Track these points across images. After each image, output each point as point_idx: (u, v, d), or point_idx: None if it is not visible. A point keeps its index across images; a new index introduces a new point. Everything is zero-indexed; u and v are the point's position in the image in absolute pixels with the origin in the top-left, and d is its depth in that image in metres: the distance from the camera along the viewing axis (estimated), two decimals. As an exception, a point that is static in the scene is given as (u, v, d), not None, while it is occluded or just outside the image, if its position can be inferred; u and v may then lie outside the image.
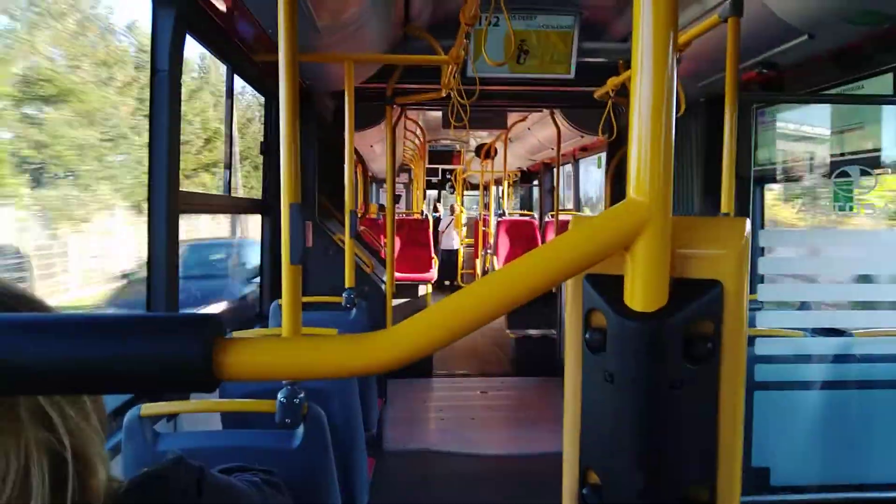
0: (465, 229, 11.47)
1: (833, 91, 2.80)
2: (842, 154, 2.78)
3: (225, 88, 2.86)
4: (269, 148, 3.39)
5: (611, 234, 0.42)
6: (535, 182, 10.86)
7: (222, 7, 2.27)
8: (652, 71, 0.41)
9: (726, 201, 2.04)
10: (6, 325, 0.39)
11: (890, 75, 2.48)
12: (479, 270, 9.85)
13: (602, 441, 0.45)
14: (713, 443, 0.44)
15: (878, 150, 2.60)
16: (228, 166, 2.94)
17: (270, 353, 0.39)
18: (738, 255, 0.43)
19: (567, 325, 0.48)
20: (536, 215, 9.86)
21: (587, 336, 0.45)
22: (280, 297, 3.21)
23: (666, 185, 0.41)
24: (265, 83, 3.17)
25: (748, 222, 0.45)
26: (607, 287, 0.44)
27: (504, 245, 8.09)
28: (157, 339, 0.37)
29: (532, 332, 6.01)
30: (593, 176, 9.00)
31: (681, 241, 0.43)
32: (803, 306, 2.37)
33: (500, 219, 8.57)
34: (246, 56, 2.76)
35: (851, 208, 2.43)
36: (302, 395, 1.52)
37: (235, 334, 2.55)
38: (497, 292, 0.41)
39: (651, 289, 0.42)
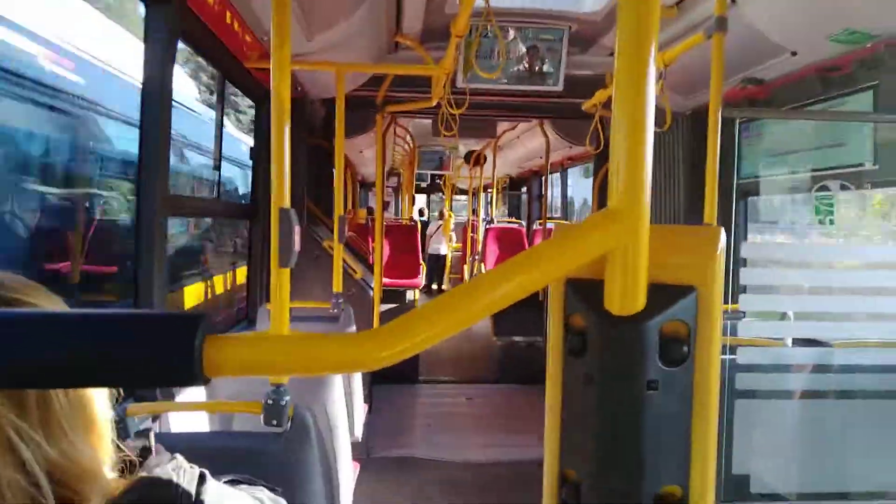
0: (453, 235, 11.50)
1: (815, 107, 2.85)
2: (824, 168, 2.84)
3: (216, 94, 2.86)
4: (259, 153, 3.40)
5: (592, 240, 0.44)
6: (524, 189, 10.93)
7: (215, 14, 2.29)
8: (632, 87, 0.44)
9: (709, 213, 2.08)
10: (3, 320, 0.40)
11: (870, 93, 2.53)
12: (466, 276, 9.87)
13: (581, 441, 0.46)
14: (687, 443, 0.46)
15: (860, 164, 2.65)
16: (218, 168, 2.95)
17: (259, 350, 0.40)
18: (712, 261, 0.45)
19: (549, 328, 0.50)
20: (524, 223, 9.91)
21: (568, 339, 0.47)
22: (267, 301, 3.23)
23: (644, 194, 0.44)
24: (256, 89, 3.18)
25: (723, 231, 0.48)
26: (588, 291, 0.46)
27: (492, 251, 8.12)
28: (149, 334, 0.39)
29: (518, 338, 6.02)
30: (581, 185, 9.07)
31: (658, 248, 0.45)
32: (785, 317, 2.41)
33: (488, 225, 8.61)
34: (237, 62, 2.77)
35: (832, 222, 2.47)
36: (288, 397, 1.53)
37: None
38: (483, 294, 0.43)
39: (629, 293, 0.44)
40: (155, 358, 0.38)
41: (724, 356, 2.10)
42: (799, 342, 2.36)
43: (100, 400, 0.61)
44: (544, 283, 0.44)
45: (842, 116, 2.78)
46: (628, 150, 0.44)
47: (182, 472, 0.66)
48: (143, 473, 0.65)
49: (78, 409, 0.59)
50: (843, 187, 2.26)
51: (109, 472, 0.62)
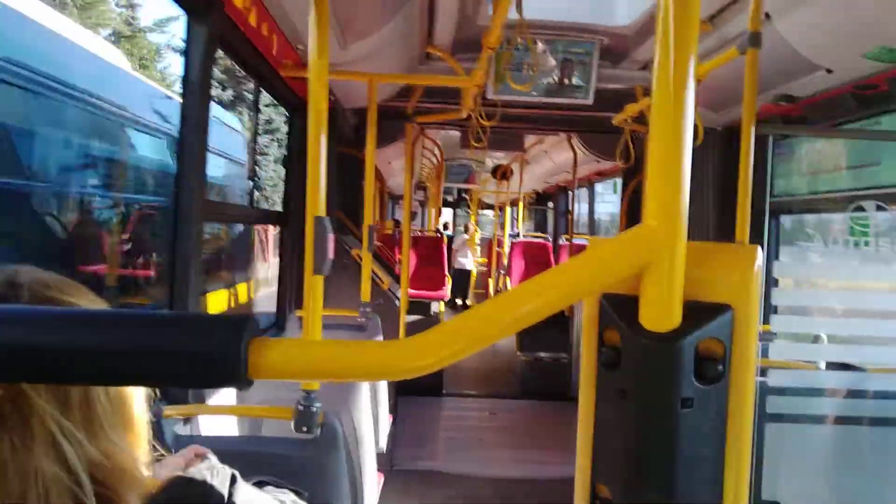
0: (478, 249, 11.49)
1: (850, 126, 2.81)
2: (858, 188, 2.79)
3: (252, 102, 2.91)
4: (292, 162, 3.44)
5: (627, 256, 0.44)
6: (550, 204, 10.89)
7: (253, 23, 2.33)
8: (671, 102, 0.44)
9: (740, 231, 2.05)
10: (59, 317, 0.42)
11: (907, 112, 2.49)
12: (491, 291, 9.83)
13: (614, 456, 0.46)
14: (721, 462, 0.45)
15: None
16: (252, 178, 2.98)
17: (302, 355, 0.41)
18: (748, 280, 0.45)
19: (583, 342, 0.50)
20: (550, 238, 9.86)
21: (602, 353, 0.47)
22: (297, 308, 3.26)
23: (680, 211, 0.44)
24: (290, 98, 3.23)
25: (760, 250, 0.47)
26: (623, 307, 0.46)
27: (518, 266, 8.09)
28: (198, 335, 0.40)
29: (543, 355, 5.98)
30: (608, 201, 9.01)
31: (694, 265, 0.45)
32: (817, 340, 2.36)
33: (514, 240, 8.58)
34: (273, 71, 2.82)
35: (867, 243, 2.42)
36: (319, 404, 1.54)
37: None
38: (517, 307, 0.43)
39: (664, 310, 0.44)
40: (203, 358, 0.39)
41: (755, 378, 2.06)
42: (832, 366, 2.31)
43: (138, 400, 0.63)
44: (579, 298, 0.45)
45: (877, 135, 2.73)
46: (665, 166, 0.44)
47: (215, 472, 0.67)
48: (179, 473, 0.67)
49: (119, 409, 0.60)
50: (879, 208, 2.22)
51: (146, 472, 0.63)
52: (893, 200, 2.48)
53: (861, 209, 2.26)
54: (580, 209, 9.25)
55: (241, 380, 0.39)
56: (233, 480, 0.68)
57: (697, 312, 0.45)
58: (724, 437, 0.45)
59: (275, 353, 0.40)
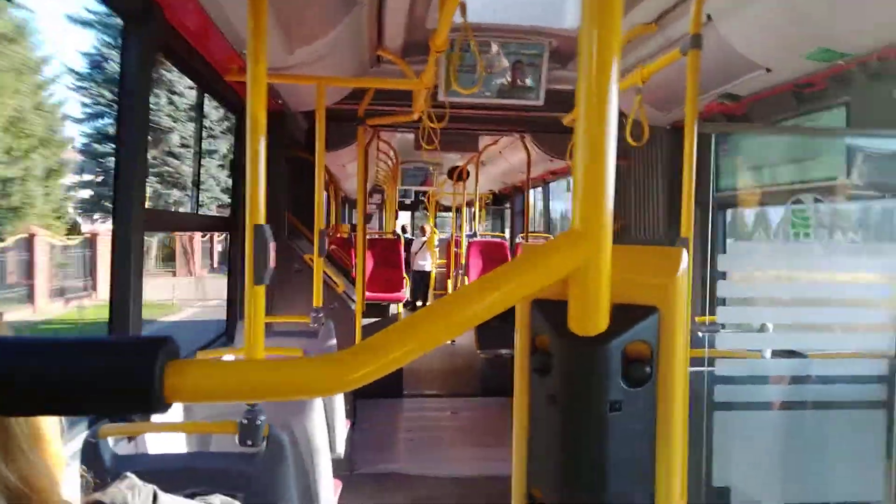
0: (437, 251, 11.50)
1: (789, 122, 2.90)
2: (799, 182, 2.88)
3: (195, 107, 2.85)
4: (239, 166, 3.39)
5: (555, 261, 0.44)
6: (507, 204, 10.97)
7: (195, 28, 2.28)
8: (593, 108, 0.44)
9: (685, 226, 2.10)
10: None
11: (843, 109, 2.58)
12: (450, 290, 9.86)
13: (546, 460, 0.47)
14: (651, 463, 0.46)
15: (833, 178, 2.70)
16: (196, 184, 2.93)
17: (223, 376, 0.40)
18: (674, 282, 0.46)
19: (516, 348, 0.50)
20: (508, 237, 9.94)
21: (534, 359, 0.47)
22: None
23: (605, 215, 0.44)
24: (235, 103, 3.18)
25: (685, 252, 0.48)
26: (552, 312, 0.46)
27: (475, 266, 8.12)
28: (110, 361, 0.38)
29: (502, 351, 6.02)
30: (564, 198, 9.13)
31: (621, 268, 0.45)
32: (763, 329, 2.44)
33: (471, 240, 8.62)
34: (217, 76, 2.77)
35: (807, 234, 2.51)
36: (263, 417, 1.51)
37: (199, 354, 2.52)
38: (455, 312, 0.43)
39: (591, 314, 0.44)
40: (114, 385, 0.37)
41: (702, 368, 2.12)
42: (777, 354, 2.38)
43: (55, 421, 0.61)
44: (510, 304, 0.45)
45: (815, 132, 2.83)
46: (590, 171, 0.44)
47: (136, 490, 0.66)
48: (97, 496, 0.65)
49: (36, 430, 0.58)
50: (816, 201, 2.30)
51: (64, 495, 0.61)
52: (830, 194, 2.58)
53: (800, 202, 2.34)
54: (537, 208, 9.36)
55: (157, 404, 0.38)
56: (154, 497, 0.66)
57: (624, 315, 0.45)
58: (655, 437, 0.46)
59: (193, 374, 0.38)
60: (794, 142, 3.01)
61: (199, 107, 3.14)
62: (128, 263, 1.83)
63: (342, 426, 3.13)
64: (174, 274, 23.48)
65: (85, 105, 23.40)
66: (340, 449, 3.05)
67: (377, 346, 0.41)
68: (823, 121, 2.74)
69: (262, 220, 1.60)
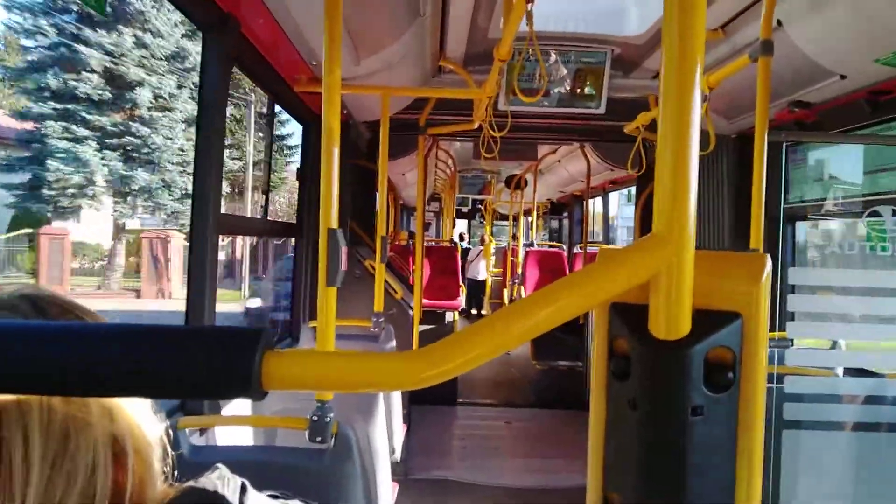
0: (493, 259, 11.48)
1: (864, 131, 2.79)
2: (875, 194, 2.77)
3: (266, 117, 2.95)
4: (306, 174, 3.48)
5: (636, 265, 0.45)
6: (565, 214, 10.86)
7: (267, 40, 2.37)
8: (678, 110, 0.44)
9: (755, 238, 2.04)
10: (82, 332, 0.43)
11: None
12: (506, 300, 9.82)
13: (625, 465, 0.47)
14: (732, 470, 0.46)
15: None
16: (266, 191, 3.02)
17: (315, 366, 0.42)
18: (758, 288, 0.46)
19: (593, 352, 0.51)
20: (565, 247, 9.84)
21: (612, 363, 0.48)
22: (310, 319, 3.28)
23: (689, 219, 0.44)
24: (304, 113, 3.27)
25: (769, 258, 0.48)
26: (632, 316, 0.46)
27: (532, 275, 8.08)
28: (214, 349, 0.41)
29: (558, 363, 5.96)
30: (623, 210, 8.98)
31: (703, 273, 0.46)
32: (835, 346, 2.34)
33: (528, 249, 8.58)
34: (287, 86, 2.86)
35: (884, 248, 2.40)
36: (332, 414, 1.55)
37: None
38: (526, 317, 0.43)
39: (673, 318, 0.44)
40: (218, 371, 0.40)
41: (771, 385, 2.05)
42: (850, 372, 2.29)
43: (147, 406, 0.65)
44: (588, 308, 0.45)
45: (891, 141, 2.71)
46: (673, 174, 0.44)
47: (226, 481, 0.69)
48: (191, 483, 0.68)
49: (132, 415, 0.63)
50: (895, 213, 2.20)
51: (159, 481, 0.65)
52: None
53: (877, 214, 2.24)
54: (595, 217, 9.24)
55: (255, 391, 0.40)
56: (243, 489, 0.69)
57: (707, 321, 0.45)
58: (735, 445, 0.45)
59: (288, 364, 0.41)
60: (870, 151, 2.89)
61: (269, 116, 3.25)
62: (204, 264, 1.92)
63: (399, 430, 3.17)
64: (138, 294, 17.79)
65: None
66: (398, 453, 3.08)
67: (461, 344, 0.43)
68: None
69: (334, 224, 1.65)
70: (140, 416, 0.62)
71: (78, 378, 0.41)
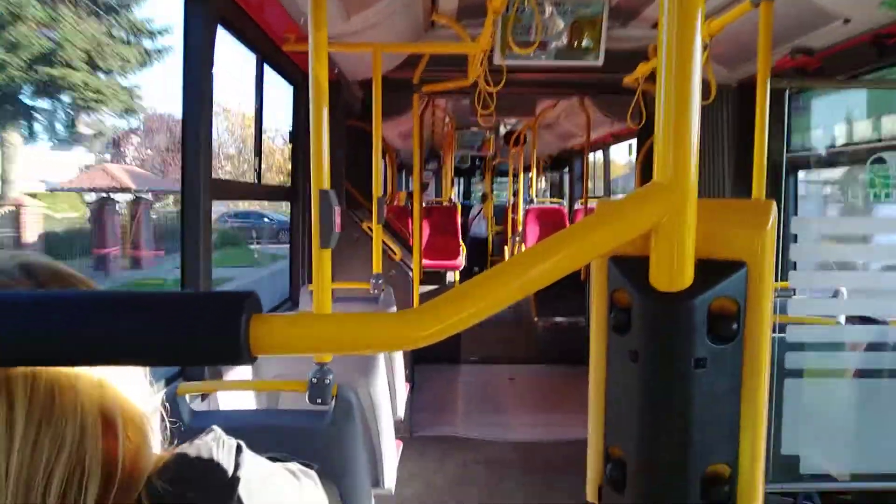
0: (494, 217, 11.45)
1: (868, 76, 2.73)
2: (879, 140, 2.73)
3: (255, 78, 2.90)
4: (298, 136, 3.43)
5: (636, 216, 0.43)
6: (566, 169, 10.79)
7: None
8: (677, 59, 0.42)
9: (757, 188, 2.02)
10: (62, 300, 0.42)
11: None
12: (507, 257, 9.84)
13: (626, 418, 0.46)
14: (736, 421, 0.45)
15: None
16: (258, 153, 2.99)
17: (304, 329, 0.41)
18: (763, 236, 0.44)
19: (592, 306, 0.49)
20: (566, 202, 9.80)
21: (612, 316, 0.46)
22: (309, 282, 3.28)
23: (690, 167, 0.42)
24: (293, 73, 3.21)
25: (774, 205, 0.46)
26: (632, 268, 0.45)
27: (533, 232, 8.07)
28: (197, 313, 0.39)
29: (561, 319, 6.00)
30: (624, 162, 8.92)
31: (706, 222, 0.44)
32: (837, 294, 2.34)
33: (528, 206, 8.55)
34: (275, 46, 2.79)
35: (888, 195, 2.38)
36: (332, 376, 1.56)
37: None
38: (524, 271, 0.42)
39: (676, 269, 0.43)
40: (203, 337, 0.39)
41: (773, 334, 2.05)
42: (852, 320, 2.29)
43: (141, 375, 0.64)
44: (587, 260, 0.44)
45: (898, 85, 2.66)
46: (674, 122, 0.42)
47: (221, 443, 0.68)
48: (184, 447, 0.68)
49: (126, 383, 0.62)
50: (900, 159, 2.17)
51: (155, 448, 0.64)
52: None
53: (881, 160, 2.21)
54: (596, 171, 9.17)
55: (243, 356, 0.39)
56: (238, 450, 0.69)
57: (710, 271, 0.43)
58: (740, 395, 0.45)
59: (276, 328, 0.40)
60: (874, 97, 2.84)
61: (258, 78, 3.20)
62: (198, 230, 1.90)
63: (402, 389, 3.20)
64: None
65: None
66: (401, 411, 3.11)
67: (454, 302, 0.41)
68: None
69: (326, 185, 1.62)
70: (132, 386, 0.61)
71: (57, 348, 0.39)
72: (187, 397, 1.49)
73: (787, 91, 2.90)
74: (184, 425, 1.36)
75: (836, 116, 3.15)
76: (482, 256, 10.57)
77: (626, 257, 0.46)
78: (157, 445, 0.65)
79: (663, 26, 0.43)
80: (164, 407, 0.72)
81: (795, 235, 2.13)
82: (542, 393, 5.32)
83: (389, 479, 2.20)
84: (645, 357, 0.43)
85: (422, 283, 3.95)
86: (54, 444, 0.53)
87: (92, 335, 0.39)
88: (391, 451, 2.23)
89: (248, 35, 2.56)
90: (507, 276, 0.42)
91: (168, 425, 0.70)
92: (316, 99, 1.60)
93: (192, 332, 0.39)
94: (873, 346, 2.21)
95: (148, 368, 0.64)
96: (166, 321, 0.39)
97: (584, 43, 3.60)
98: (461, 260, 7.73)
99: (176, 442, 0.69)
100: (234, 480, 0.65)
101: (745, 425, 0.45)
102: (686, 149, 0.42)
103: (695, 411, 0.43)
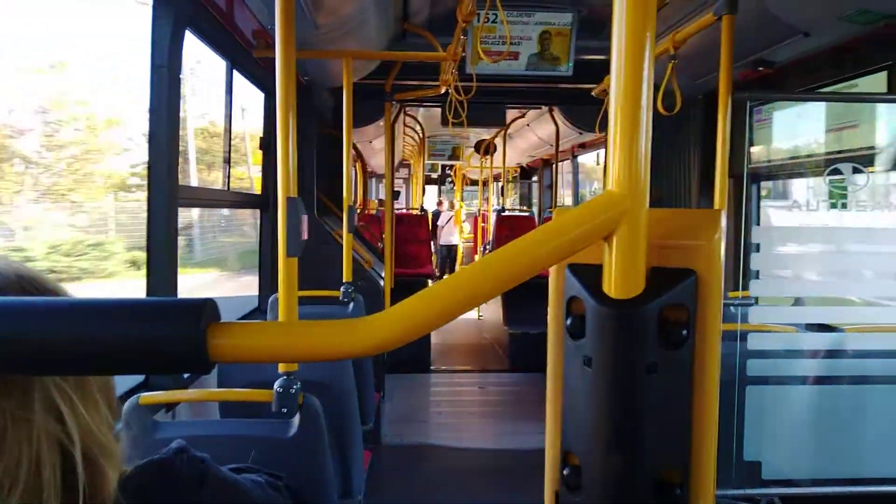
0: (465, 225, 11.49)
1: (828, 89, 2.81)
2: (837, 152, 2.80)
3: (225, 84, 2.87)
4: (269, 143, 3.41)
5: (590, 224, 0.43)
6: (535, 178, 10.87)
7: (222, 3, 2.29)
8: (628, 70, 0.43)
9: (719, 197, 2.06)
10: (18, 308, 0.41)
11: (884, 73, 2.49)
12: None
13: (581, 424, 0.46)
14: (687, 427, 0.46)
15: (872, 147, 2.62)
16: (227, 161, 2.96)
17: (263, 337, 0.41)
18: (712, 245, 0.45)
19: (549, 313, 0.50)
20: (535, 211, 9.87)
21: (568, 322, 0.47)
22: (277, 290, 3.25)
23: (642, 178, 0.43)
24: (265, 79, 3.19)
25: (723, 214, 0.47)
26: (587, 275, 0.46)
27: (503, 240, 8.11)
28: (156, 322, 0.39)
29: (529, 328, 6.02)
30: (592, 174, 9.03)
31: (658, 231, 0.45)
32: (797, 303, 2.39)
33: (498, 214, 8.59)
34: (245, 52, 2.77)
35: (845, 206, 2.44)
36: (298, 385, 1.54)
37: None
38: (484, 278, 0.42)
39: (628, 277, 0.43)
40: (161, 345, 0.39)
41: (734, 342, 2.09)
42: (812, 328, 2.34)
43: (105, 385, 0.62)
44: (543, 268, 0.44)
45: (855, 98, 2.74)
46: (626, 133, 0.43)
47: (184, 456, 0.67)
48: (146, 461, 0.67)
49: (106, 384, 0.60)
50: (855, 170, 2.23)
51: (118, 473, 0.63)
52: (870, 163, 2.50)
53: (837, 172, 2.27)
54: (565, 181, 9.27)
55: (202, 364, 0.39)
56: (203, 463, 0.68)
57: (661, 279, 0.44)
58: (691, 400, 0.45)
59: (235, 335, 0.39)
60: (833, 109, 2.92)
61: (228, 84, 3.17)
62: (163, 236, 1.87)
63: (371, 398, 3.18)
64: None
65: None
66: (370, 420, 3.09)
67: (411, 308, 0.42)
68: (863, 86, 2.65)
69: (293, 193, 1.61)
70: (94, 414, 0.59)
71: (11, 357, 0.39)
72: (151, 408, 1.46)
73: (748, 103, 2.97)
74: (147, 437, 1.33)
75: (798, 128, 3.23)
76: (452, 263, 10.58)
77: (581, 265, 0.47)
78: (119, 463, 0.63)
79: (615, 38, 0.43)
80: (126, 419, 0.71)
81: (757, 245, 2.17)
82: (511, 401, 5.33)
83: (358, 489, 2.18)
84: (598, 362, 0.44)
85: (394, 291, 3.93)
86: (7, 477, 0.51)
87: (48, 343, 0.38)
88: (359, 460, 2.22)
89: (217, 40, 2.54)
90: (465, 284, 0.42)
91: (131, 438, 0.69)
92: (283, 107, 1.59)
93: (149, 339, 0.39)
94: (831, 354, 2.26)
95: (115, 386, 0.63)
96: (123, 329, 0.39)
97: (554, 53, 3.65)
98: (432, 268, 7.73)
99: (139, 455, 0.68)
100: (199, 495, 0.64)
101: (696, 431, 0.46)
102: (636, 158, 0.43)
103: (647, 416, 0.44)
